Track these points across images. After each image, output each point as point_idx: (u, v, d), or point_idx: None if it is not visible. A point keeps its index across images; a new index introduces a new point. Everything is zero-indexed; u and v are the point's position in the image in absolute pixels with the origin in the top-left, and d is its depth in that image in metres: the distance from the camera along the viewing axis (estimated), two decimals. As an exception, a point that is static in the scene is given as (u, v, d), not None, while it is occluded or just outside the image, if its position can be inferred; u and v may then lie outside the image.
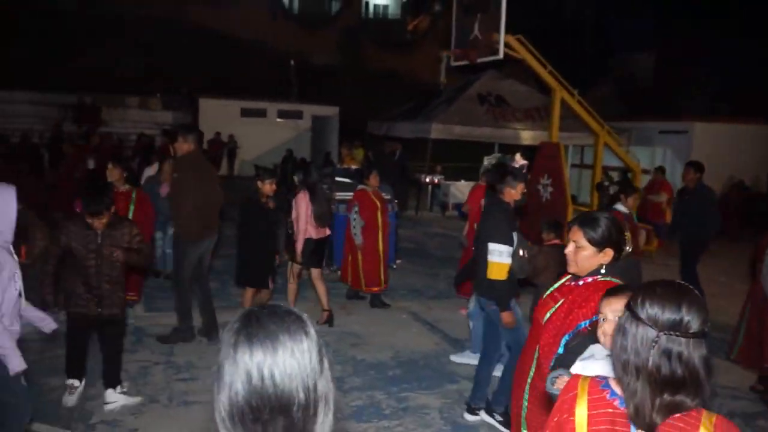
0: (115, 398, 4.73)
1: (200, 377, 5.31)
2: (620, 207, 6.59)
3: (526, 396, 3.05)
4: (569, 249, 2.78)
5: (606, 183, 12.55)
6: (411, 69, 31.77)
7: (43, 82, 22.67)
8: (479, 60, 10.17)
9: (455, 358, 6.04)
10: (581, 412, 1.62)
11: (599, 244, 2.72)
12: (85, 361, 4.85)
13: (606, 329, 2.22)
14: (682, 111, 20.60)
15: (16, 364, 3.44)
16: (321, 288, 6.80)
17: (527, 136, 15.27)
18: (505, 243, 4.40)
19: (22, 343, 3.58)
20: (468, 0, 10.39)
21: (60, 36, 25.71)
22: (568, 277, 2.89)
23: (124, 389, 4.86)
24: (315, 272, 6.78)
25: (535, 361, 2.96)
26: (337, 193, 8.72)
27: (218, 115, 22.26)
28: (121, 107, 23.41)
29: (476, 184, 7.90)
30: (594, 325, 2.47)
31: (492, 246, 4.40)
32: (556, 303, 2.84)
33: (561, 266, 6.13)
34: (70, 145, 11.29)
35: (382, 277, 7.58)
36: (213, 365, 1.18)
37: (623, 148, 12.61)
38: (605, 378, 1.67)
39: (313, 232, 6.55)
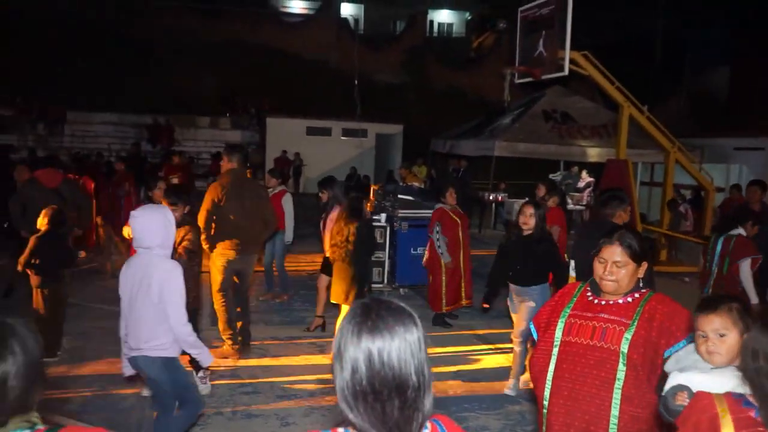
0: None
1: (263, 390, 5.41)
2: (741, 231, 6.10)
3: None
4: (604, 269, 2.71)
5: (679, 201, 12.14)
6: (475, 87, 31.64)
7: (120, 103, 23.79)
8: (544, 77, 10.05)
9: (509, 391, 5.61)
10: None
11: (639, 259, 2.72)
12: None
13: (711, 348, 2.19)
14: (759, 127, 19.73)
15: (208, 360, 4.00)
16: (321, 296, 7.02)
17: (594, 153, 14.97)
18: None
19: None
20: (533, 17, 10.31)
21: (136, 58, 26.90)
22: (587, 294, 2.82)
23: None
24: (323, 280, 7.00)
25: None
26: (400, 211, 8.75)
27: (285, 133, 22.78)
28: (193, 127, 24.25)
29: (551, 207, 7.84)
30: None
31: None
32: (603, 323, 2.68)
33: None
34: (121, 162, 11.76)
35: (464, 293, 7.58)
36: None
37: (695, 165, 12.17)
38: (742, 395, 1.68)
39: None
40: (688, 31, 28.03)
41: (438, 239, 7.31)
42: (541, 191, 8.14)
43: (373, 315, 1.37)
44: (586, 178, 15.86)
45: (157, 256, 3.71)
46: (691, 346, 2.32)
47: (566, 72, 9.48)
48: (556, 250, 5.49)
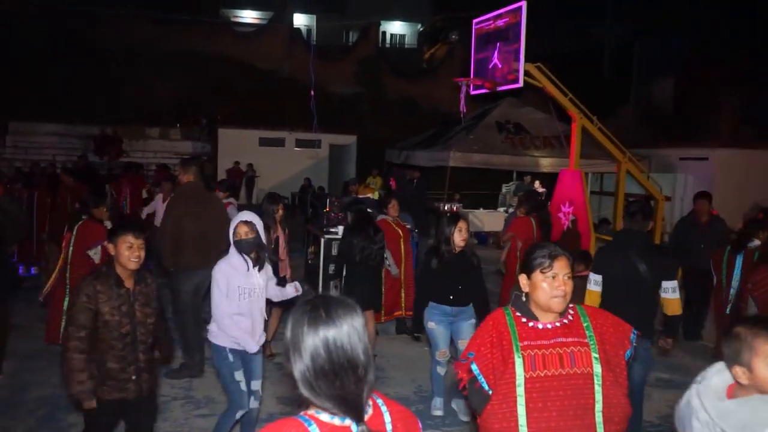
0: None
1: (219, 413, 5.19)
2: (756, 243, 6.20)
3: None
4: (558, 285, 2.49)
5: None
6: (429, 97, 31.82)
7: (66, 113, 23.03)
8: (499, 88, 10.12)
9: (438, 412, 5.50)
10: None
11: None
12: None
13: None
14: (705, 137, 20.38)
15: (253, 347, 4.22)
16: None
17: (547, 164, 15.18)
18: (675, 278, 4.59)
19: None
20: (487, 29, 10.38)
21: (84, 67, 26.14)
22: (523, 321, 2.56)
23: None
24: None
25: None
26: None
27: (237, 144, 22.45)
28: (142, 138, 23.67)
29: (518, 217, 7.88)
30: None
31: (667, 284, 4.50)
32: (580, 346, 2.52)
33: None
34: (65, 174, 11.36)
35: (404, 304, 7.47)
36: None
37: (644, 175, 12.45)
38: None
39: None
40: (636, 42, 28.83)
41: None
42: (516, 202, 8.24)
43: (323, 308, 1.62)
44: (538, 188, 16.08)
45: None
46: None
47: (521, 84, 9.56)
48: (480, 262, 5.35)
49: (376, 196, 13.27)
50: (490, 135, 15.47)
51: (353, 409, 1.59)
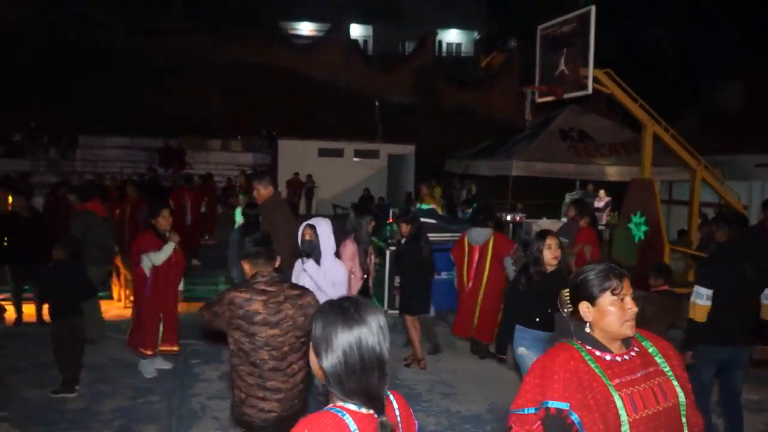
0: None
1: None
2: None
3: None
4: (629, 307, 2.23)
5: (709, 219, 11.86)
6: (485, 105, 31.62)
7: (130, 126, 23.78)
8: (566, 96, 9.86)
9: None
10: None
11: None
12: None
13: None
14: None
15: None
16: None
17: (613, 172, 14.71)
18: None
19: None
20: (553, 34, 10.14)
21: (146, 81, 27.01)
22: (597, 354, 2.24)
23: None
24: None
25: None
26: (423, 235, 8.50)
27: (296, 155, 22.64)
28: (204, 150, 24.18)
29: (583, 227, 7.62)
30: None
31: None
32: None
33: (671, 316, 5.70)
34: (133, 188, 11.66)
35: (476, 324, 7.20)
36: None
37: (720, 183, 11.92)
38: None
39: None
40: (700, 45, 27.83)
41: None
42: (572, 212, 7.92)
43: (352, 309, 1.74)
44: (603, 197, 15.60)
45: None
46: None
47: (590, 90, 9.29)
48: None
49: (438, 206, 13.14)
50: (554, 143, 15.10)
51: (377, 402, 1.74)
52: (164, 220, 6.11)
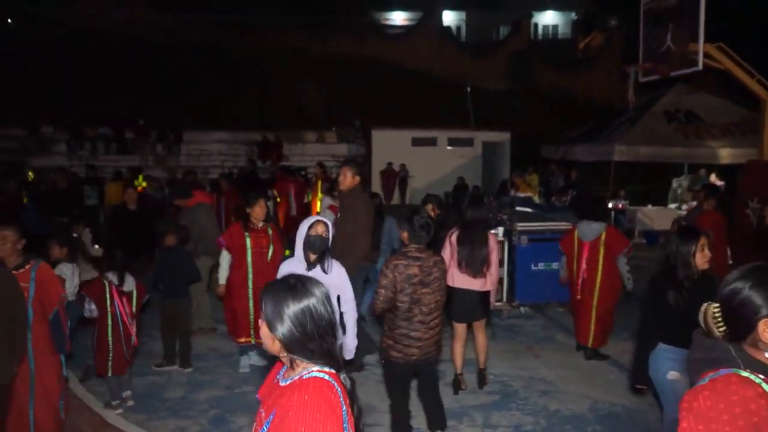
0: None
1: (384, 423, 4.98)
2: None
3: None
4: None
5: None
6: (585, 89, 30.40)
7: (229, 121, 24.62)
8: (673, 73, 9.23)
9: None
10: None
11: None
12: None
13: None
14: None
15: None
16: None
17: (726, 154, 13.72)
18: None
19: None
20: (658, 9, 9.50)
21: (243, 76, 27.85)
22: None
23: None
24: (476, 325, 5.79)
25: None
26: (518, 224, 8.20)
27: (390, 145, 22.63)
28: (300, 142, 24.64)
29: (706, 211, 7.06)
30: None
31: None
32: None
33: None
34: (222, 179, 11.94)
35: (593, 335, 6.51)
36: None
37: None
38: None
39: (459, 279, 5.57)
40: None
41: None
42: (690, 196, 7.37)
43: (297, 284, 1.91)
44: (716, 181, 14.57)
45: None
46: None
47: (700, 66, 8.66)
48: None
49: (534, 194, 12.71)
50: (659, 125, 14.23)
51: (337, 362, 1.93)
52: (260, 209, 6.11)
